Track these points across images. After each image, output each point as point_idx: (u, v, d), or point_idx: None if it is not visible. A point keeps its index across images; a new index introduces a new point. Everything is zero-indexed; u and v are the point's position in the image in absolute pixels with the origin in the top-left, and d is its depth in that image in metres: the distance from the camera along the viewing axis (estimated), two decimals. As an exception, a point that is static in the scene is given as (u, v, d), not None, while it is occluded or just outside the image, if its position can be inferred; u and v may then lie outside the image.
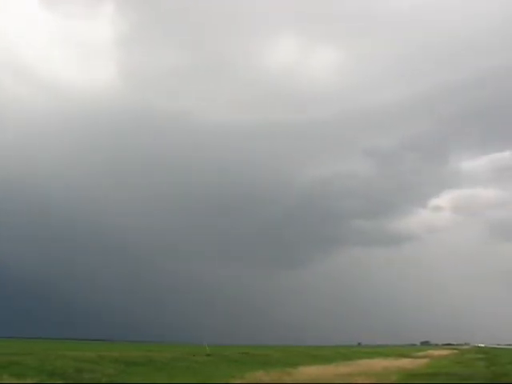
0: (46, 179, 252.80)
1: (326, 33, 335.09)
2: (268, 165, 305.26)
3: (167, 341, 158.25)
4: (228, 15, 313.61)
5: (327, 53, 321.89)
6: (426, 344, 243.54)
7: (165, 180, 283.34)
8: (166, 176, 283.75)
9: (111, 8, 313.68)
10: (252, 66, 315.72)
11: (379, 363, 55.86)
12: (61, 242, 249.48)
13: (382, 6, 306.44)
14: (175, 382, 33.41)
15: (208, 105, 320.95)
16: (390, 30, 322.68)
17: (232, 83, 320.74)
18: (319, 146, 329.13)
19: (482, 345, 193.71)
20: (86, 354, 38.53)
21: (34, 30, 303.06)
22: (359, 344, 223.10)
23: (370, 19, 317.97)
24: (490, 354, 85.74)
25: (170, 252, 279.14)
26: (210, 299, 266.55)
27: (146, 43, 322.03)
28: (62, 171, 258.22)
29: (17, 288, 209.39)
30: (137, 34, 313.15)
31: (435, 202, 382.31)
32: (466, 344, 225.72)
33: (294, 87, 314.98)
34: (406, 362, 61.27)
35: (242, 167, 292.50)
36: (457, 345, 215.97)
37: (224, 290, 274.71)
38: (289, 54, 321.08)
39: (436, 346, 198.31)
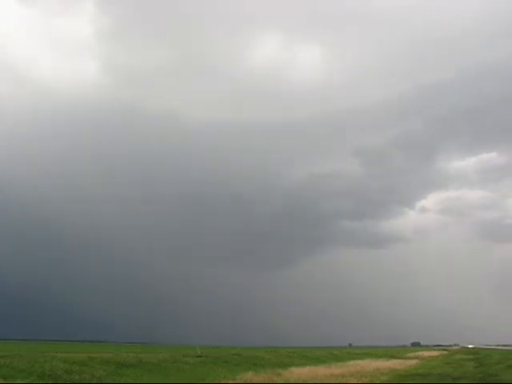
0: (29, 178, 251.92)
1: (312, 32, 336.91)
2: (255, 164, 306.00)
3: (157, 342, 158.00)
4: (213, 14, 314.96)
5: (314, 52, 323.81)
6: (416, 345, 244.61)
7: (149, 178, 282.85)
8: (152, 174, 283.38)
9: (92, 5, 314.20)
10: (238, 66, 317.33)
11: (370, 364, 55.93)
12: (48, 244, 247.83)
13: (369, 6, 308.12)
14: (166, 383, 33.32)
15: (194, 103, 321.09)
16: (379, 29, 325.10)
17: (218, 82, 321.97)
18: (306, 145, 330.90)
19: (471, 346, 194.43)
20: (76, 355, 38.24)
21: (14, 27, 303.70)
22: (350, 345, 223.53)
23: (358, 18, 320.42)
24: (478, 355, 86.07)
25: (158, 253, 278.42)
26: (198, 300, 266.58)
27: (130, 41, 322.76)
28: (49, 169, 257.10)
29: (5, 290, 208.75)
30: (119, 32, 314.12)
31: (423, 203, 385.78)
32: (455, 345, 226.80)
33: (281, 86, 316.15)
34: (396, 363, 61.38)
35: (229, 166, 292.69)
36: (446, 346, 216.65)
37: (212, 290, 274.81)
38: (275, 54, 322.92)
39: (426, 347, 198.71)
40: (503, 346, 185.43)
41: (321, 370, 43.95)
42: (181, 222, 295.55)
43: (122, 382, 31.09)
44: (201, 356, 49.47)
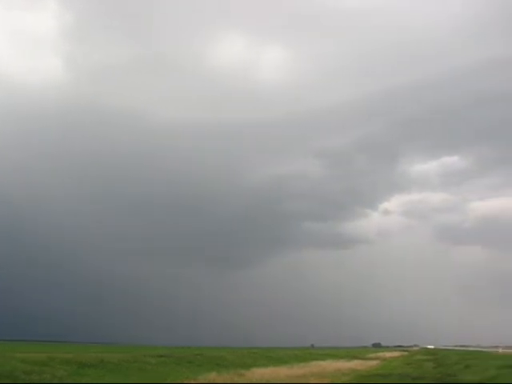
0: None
1: (276, 32, 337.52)
2: (218, 164, 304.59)
3: (119, 342, 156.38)
4: (177, 13, 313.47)
5: (277, 52, 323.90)
6: (377, 346, 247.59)
7: (112, 177, 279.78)
8: (113, 173, 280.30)
9: (55, 0, 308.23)
10: (202, 65, 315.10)
11: (332, 365, 56.42)
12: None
13: (335, 6, 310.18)
14: (127, 383, 33.05)
15: (158, 102, 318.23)
16: (344, 30, 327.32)
17: (181, 81, 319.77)
18: (269, 146, 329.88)
19: (431, 346, 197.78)
20: (36, 355, 37.62)
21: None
22: (312, 346, 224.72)
23: (323, 18, 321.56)
24: (437, 356, 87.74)
25: (118, 252, 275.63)
26: (160, 300, 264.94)
27: (94, 38, 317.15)
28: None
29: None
30: (83, 28, 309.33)
31: (385, 205, 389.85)
32: (415, 346, 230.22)
33: (244, 87, 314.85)
34: (357, 364, 62.09)
35: (191, 166, 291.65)
36: (407, 347, 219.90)
37: (175, 290, 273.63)
38: (239, 53, 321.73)
39: (387, 348, 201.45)
40: (461, 346, 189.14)
41: (283, 371, 44.18)
42: (142, 222, 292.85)
43: (83, 382, 30.72)
44: (162, 356, 49.15)
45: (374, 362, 70.45)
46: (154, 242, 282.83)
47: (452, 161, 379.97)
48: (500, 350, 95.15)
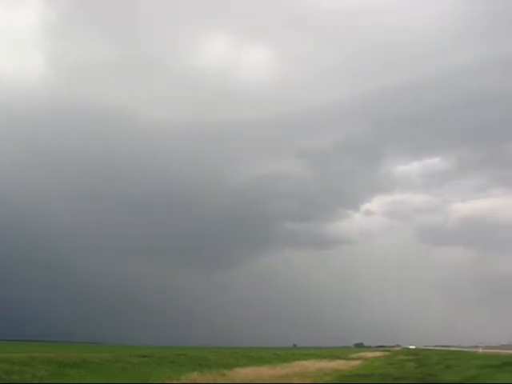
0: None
1: (262, 32, 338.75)
2: (202, 164, 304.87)
3: (101, 342, 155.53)
4: (161, 13, 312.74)
5: (263, 53, 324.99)
6: (359, 346, 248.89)
7: (93, 176, 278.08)
8: (96, 172, 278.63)
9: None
10: (187, 66, 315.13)
11: (314, 365, 56.58)
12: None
13: (323, 6, 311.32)
14: (109, 383, 32.89)
15: (143, 102, 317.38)
16: (329, 31, 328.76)
17: (167, 81, 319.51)
18: (253, 146, 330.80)
19: (412, 346, 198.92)
20: (16, 355, 37.33)
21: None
22: (294, 346, 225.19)
23: (309, 19, 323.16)
24: (419, 356, 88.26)
25: (102, 252, 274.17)
26: (143, 300, 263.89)
27: (77, 36, 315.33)
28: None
29: None
30: (67, 27, 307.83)
31: (368, 205, 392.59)
32: (397, 346, 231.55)
33: (230, 87, 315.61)
34: (340, 364, 62.31)
35: (176, 166, 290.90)
36: (389, 347, 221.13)
37: (158, 290, 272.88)
38: (224, 54, 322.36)
39: (369, 348, 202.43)
40: (442, 346, 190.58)
41: (265, 371, 44.23)
42: (124, 222, 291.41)
43: (64, 382, 30.54)
44: (145, 356, 48.94)
45: (356, 362, 70.76)
46: (137, 241, 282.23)
47: (433, 162, 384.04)
48: (480, 350, 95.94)
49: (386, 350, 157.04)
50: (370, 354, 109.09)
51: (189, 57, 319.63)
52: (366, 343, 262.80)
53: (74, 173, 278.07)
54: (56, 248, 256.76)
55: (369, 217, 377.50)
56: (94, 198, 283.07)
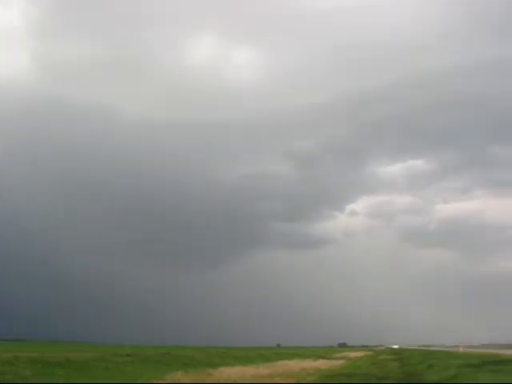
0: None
1: (248, 32, 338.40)
2: (189, 163, 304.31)
3: (86, 341, 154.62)
4: (148, 12, 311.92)
5: (250, 52, 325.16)
6: (343, 346, 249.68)
7: (80, 175, 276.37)
8: (83, 171, 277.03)
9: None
10: (174, 64, 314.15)
11: (298, 364, 56.83)
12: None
13: (307, 7, 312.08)
14: (93, 383, 32.92)
15: (129, 100, 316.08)
16: (316, 31, 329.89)
17: (154, 79, 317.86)
18: (240, 146, 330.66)
19: (396, 346, 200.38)
20: (1, 355, 37.27)
21: None
22: (278, 345, 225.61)
23: (294, 20, 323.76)
24: (402, 355, 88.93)
25: (86, 249, 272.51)
26: (127, 298, 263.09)
27: (62, 33, 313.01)
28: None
29: None
30: (52, 25, 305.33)
31: (352, 206, 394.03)
32: (380, 346, 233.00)
33: (216, 86, 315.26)
34: (323, 363, 62.61)
35: (162, 166, 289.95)
36: (372, 346, 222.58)
37: (145, 288, 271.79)
38: (212, 53, 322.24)
39: (353, 348, 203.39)
40: (424, 346, 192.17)
41: (249, 370, 44.45)
42: (113, 221, 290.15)
43: (49, 382, 30.57)
44: (130, 355, 49.04)
45: (340, 362, 71.19)
46: (125, 240, 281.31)
47: (417, 164, 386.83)
48: (460, 350, 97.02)
49: (370, 350, 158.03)
50: (353, 354, 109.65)
51: (176, 56, 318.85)
52: (349, 343, 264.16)
53: (63, 172, 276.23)
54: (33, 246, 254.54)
55: (353, 217, 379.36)
56: (81, 197, 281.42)
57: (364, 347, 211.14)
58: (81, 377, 33.87)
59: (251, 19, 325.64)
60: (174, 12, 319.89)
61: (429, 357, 68.19)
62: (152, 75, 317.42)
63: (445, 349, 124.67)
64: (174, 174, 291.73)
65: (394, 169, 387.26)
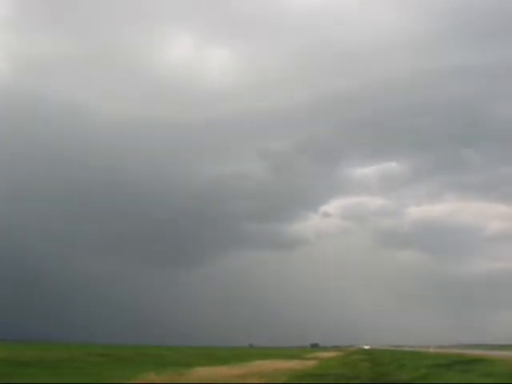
0: None
1: (221, 32, 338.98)
2: (163, 163, 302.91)
3: (60, 340, 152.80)
4: (123, 11, 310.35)
5: (223, 52, 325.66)
6: (315, 346, 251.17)
7: (47, 174, 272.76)
8: (50, 169, 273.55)
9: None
10: (149, 64, 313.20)
11: (270, 365, 57.03)
12: None
13: (283, 7, 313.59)
14: (64, 383, 32.69)
15: (102, 98, 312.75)
16: (291, 32, 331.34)
17: (126, 78, 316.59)
18: (214, 145, 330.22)
19: (367, 346, 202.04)
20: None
21: None
22: (251, 346, 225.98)
23: (269, 20, 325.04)
24: (373, 356, 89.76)
25: (61, 249, 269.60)
26: (105, 297, 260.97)
27: (34, 29, 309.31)
28: None
29: None
30: (25, 20, 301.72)
31: (325, 207, 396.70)
32: (352, 346, 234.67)
33: (190, 85, 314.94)
34: (295, 364, 62.86)
35: (136, 165, 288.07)
36: (344, 347, 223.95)
37: (120, 287, 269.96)
38: (185, 53, 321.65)
39: (325, 348, 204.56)
40: (396, 346, 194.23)
41: (223, 370, 44.53)
42: (84, 221, 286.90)
43: (19, 382, 30.29)
44: (103, 355, 48.72)
45: (312, 362, 71.50)
46: (98, 241, 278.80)
47: (390, 166, 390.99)
48: (431, 350, 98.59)
49: (341, 350, 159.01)
50: (325, 354, 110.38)
51: (150, 55, 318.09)
52: (321, 343, 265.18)
53: (30, 170, 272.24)
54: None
55: (327, 219, 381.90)
56: (48, 196, 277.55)
57: (336, 348, 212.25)
58: (52, 376, 33.57)
59: (227, 20, 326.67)
60: (149, 11, 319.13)
61: (399, 357, 69.09)
62: (126, 74, 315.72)
63: (416, 349, 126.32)
64: (147, 174, 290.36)
65: (367, 171, 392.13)
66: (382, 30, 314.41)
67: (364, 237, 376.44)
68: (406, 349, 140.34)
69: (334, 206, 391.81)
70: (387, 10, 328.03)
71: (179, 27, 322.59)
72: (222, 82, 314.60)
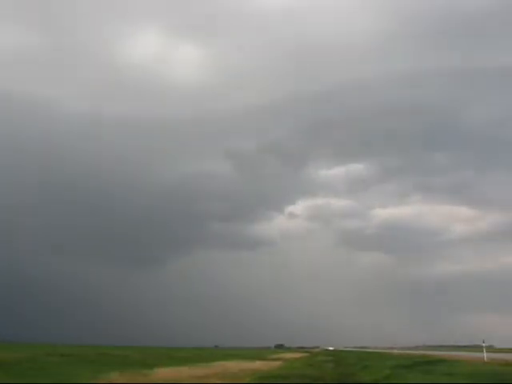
0: None
1: (189, 31, 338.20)
2: (126, 162, 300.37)
3: (20, 341, 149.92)
4: (88, 8, 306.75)
5: (191, 51, 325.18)
6: (280, 347, 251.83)
7: (14, 171, 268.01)
8: (18, 166, 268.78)
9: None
10: (114, 60, 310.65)
11: (235, 365, 56.95)
12: None
13: (252, 7, 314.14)
14: (22, 383, 31.93)
15: (67, 94, 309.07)
16: (260, 32, 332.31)
17: (93, 74, 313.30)
18: (178, 145, 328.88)
19: (331, 348, 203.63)
20: None
21: None
22: (216, 346, 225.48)
23: (238, 19, 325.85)
24: (337, 357, 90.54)
25: (26, 247, 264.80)
26: (68, 296, 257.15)
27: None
28: None
29: None
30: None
31: (291, 208, 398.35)
32: (316, 347, 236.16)
33: (157, 83, 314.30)
34: (260, 365, 62.88)
35: (99, 164, 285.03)
36: (309, 348, 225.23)
37: (83, 287, 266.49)
38: (153, 51, 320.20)
39: (289, 349, 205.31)
40: (360, 347, 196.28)
41: (186, 371, 44.27)
42: (47, 219, 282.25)
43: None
44: (65, 355, 47.86)
45: (277, 363, 71.57)
46: (64, 239, 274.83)
47: (357, 168, 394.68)
48: (395, 351, 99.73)
49: (306, 351, 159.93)
50: (290, 355, 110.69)
51: (116, 52, 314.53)
52: (286, 344, 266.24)
53: None
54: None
55: (292, 219, 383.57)
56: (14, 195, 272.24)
57: (301, 349, 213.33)
58: (10, 377, 32.74)
59: (198, 19, 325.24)
60: (117, 8, 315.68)
61: (364, 358, 69.74)
62: (90, 70, 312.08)
63: (380, 350, 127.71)
64: (111, 173, 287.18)
65: (334, 172, 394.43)
66: (356, 31, 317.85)
67: (329, 238, 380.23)
68: (370, 350, 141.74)
69: (300, 206, 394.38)
70: (362, 10, 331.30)
71: (147, 25, 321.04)
72: (191, 82, 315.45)
